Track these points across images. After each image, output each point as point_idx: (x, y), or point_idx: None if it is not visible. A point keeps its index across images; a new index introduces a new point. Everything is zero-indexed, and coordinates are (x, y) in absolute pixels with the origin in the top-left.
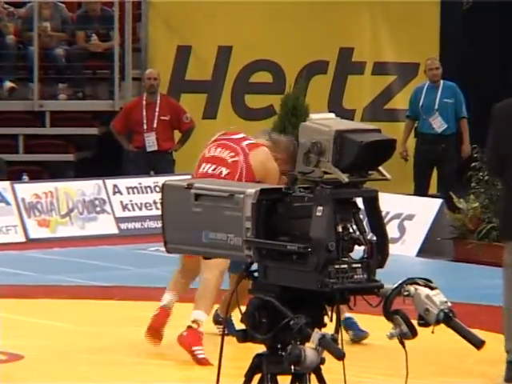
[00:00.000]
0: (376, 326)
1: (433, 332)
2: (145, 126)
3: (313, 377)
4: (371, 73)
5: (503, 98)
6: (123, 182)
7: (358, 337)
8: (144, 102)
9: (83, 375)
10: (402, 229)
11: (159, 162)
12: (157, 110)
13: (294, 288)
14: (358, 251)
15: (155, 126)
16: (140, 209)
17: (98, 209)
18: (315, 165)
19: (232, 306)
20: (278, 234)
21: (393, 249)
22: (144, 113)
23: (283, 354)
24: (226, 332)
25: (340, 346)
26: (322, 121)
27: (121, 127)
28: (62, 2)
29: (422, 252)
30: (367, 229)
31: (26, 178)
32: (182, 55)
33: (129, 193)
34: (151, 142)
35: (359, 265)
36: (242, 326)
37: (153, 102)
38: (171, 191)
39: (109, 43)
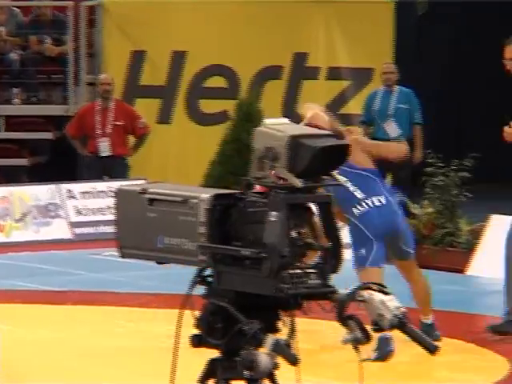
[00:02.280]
0: (330, 331)
1: None
2: (99, 131)
3: (267, 382)
4: (325, 78)
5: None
6: (77, 187)
7: None
8: (98, 107)
9: (35, 379)
10: None
11: (113, 167)
12: (111, 115)
13: (248, 293)
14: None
15: (109, 131)
16: (94, 214)
17: (52, 214)
18: (269, 170)
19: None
20: (232, 239)
21: (347, 254)
22: (98, 118)
23: (237, 359)
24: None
25: (294, 352)
26: (275, 126)
27: (75, 132)
28: (16, 7)
29: None
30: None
31: None
32: (136, 60)
33: (83, 198)
34: (105, 147)
35: (313, 270)
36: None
37: (107, 107)
38: (125, 196)
39: (63, 47)
